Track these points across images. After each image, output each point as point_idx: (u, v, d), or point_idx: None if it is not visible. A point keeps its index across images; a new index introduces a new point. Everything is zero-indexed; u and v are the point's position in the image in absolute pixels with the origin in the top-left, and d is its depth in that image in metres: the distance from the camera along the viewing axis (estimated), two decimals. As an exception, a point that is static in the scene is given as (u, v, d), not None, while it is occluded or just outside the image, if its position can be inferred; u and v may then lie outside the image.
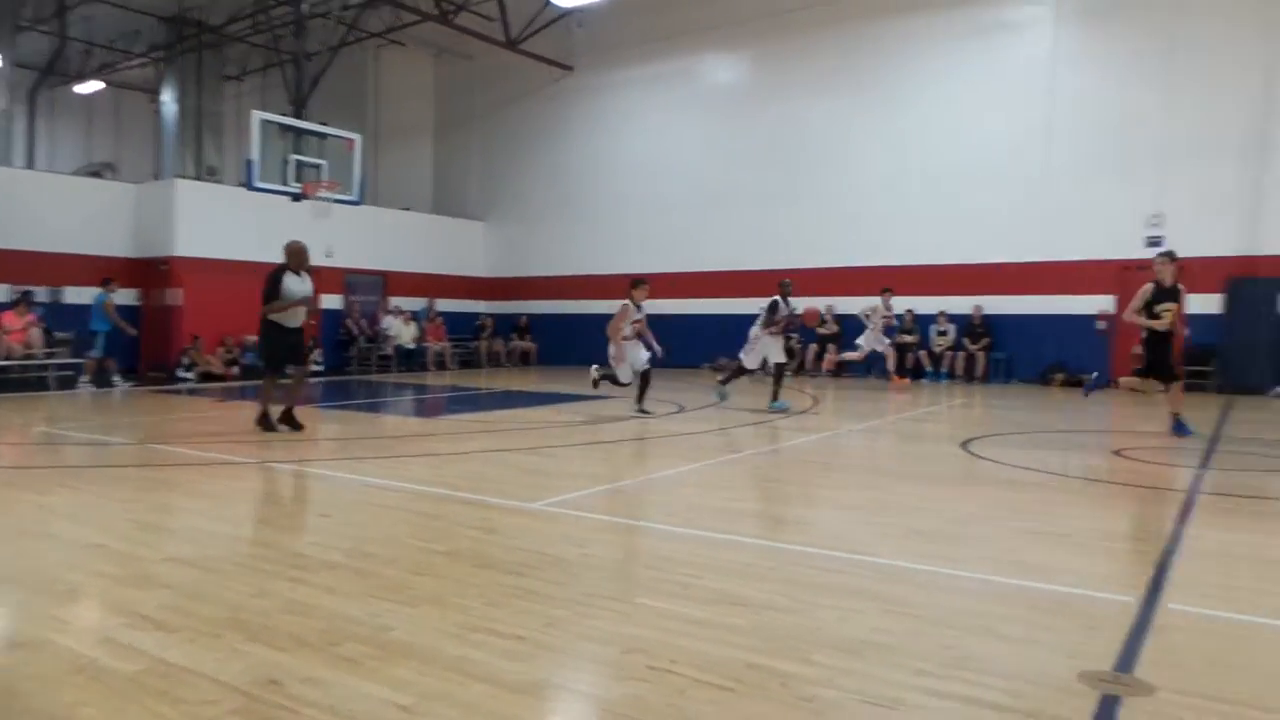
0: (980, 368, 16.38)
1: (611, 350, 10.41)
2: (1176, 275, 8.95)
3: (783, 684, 2.80)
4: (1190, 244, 14.90)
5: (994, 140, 16.50)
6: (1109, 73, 15.72)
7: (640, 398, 10.48)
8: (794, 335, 15.43)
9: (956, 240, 16.85)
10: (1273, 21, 14.33)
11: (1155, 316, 8.82)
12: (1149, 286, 8.89)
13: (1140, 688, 2.77)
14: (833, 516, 5.60)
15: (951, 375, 16.51)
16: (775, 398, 11.22)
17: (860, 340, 15.42)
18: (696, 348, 19.40)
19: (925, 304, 17.04)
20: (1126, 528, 5.32)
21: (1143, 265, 15.42)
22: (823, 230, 18.31)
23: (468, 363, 20.91)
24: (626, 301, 10.34)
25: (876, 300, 15.51)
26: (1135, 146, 15.34)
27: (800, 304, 12.01)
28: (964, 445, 8.35)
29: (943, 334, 16.92)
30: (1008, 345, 16.53)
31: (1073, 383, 15.65)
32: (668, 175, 20.40)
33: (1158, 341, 8.93)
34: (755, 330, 11.34)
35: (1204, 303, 14.93)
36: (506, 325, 22.46)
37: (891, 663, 2.98)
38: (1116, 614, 3.47)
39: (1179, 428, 9.04)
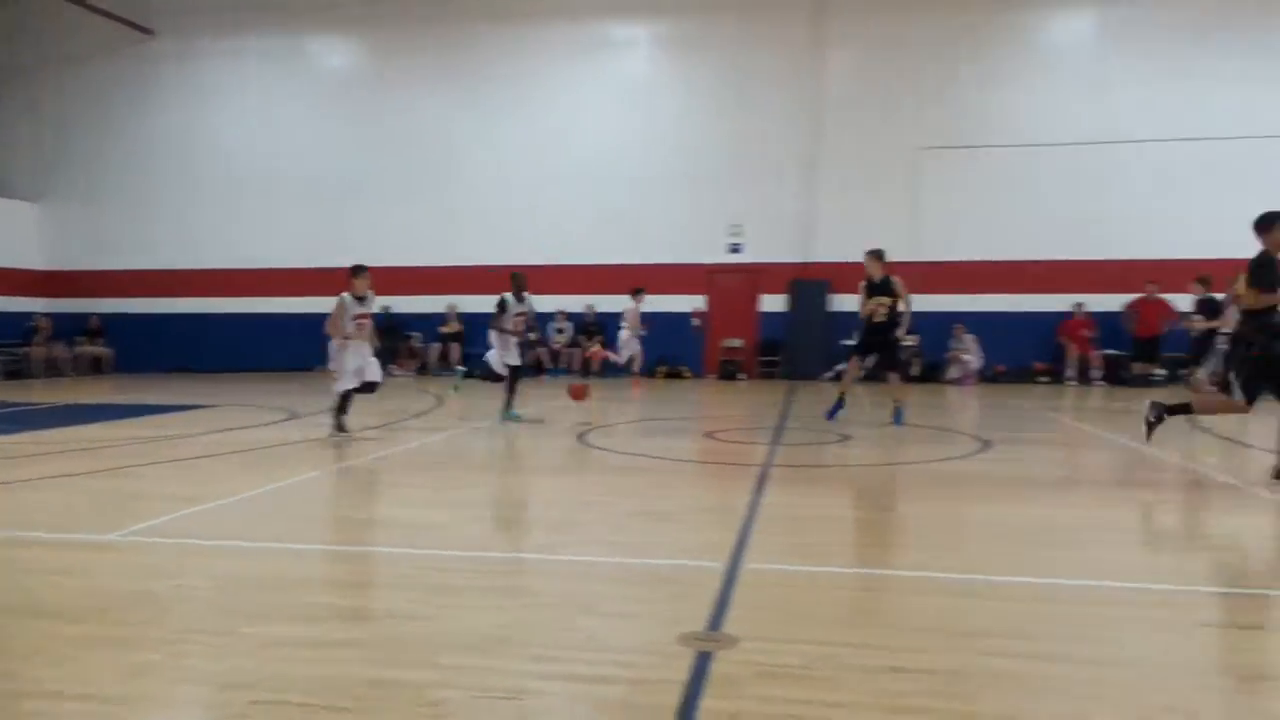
0: (596, 364, 17.46)
1: (333, 349, 8.80)
2: (886, 270, 9.61)
3: (406, 694, 2.72)
4: (762, 251, 17.41)
5: (605, 148, 17.70)
6: (696, 95, 17.70)
7: (340, 410, 8.72)
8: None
9: (572, 241, 17.80)
10: (819, 65, 17.16)
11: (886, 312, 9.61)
12: (863, 284, 9.76)
13: (727, 641, 3.15)
14: (455, 516, 5.59)
15: (570, 370, 17.40)
16: (509, 405, 10.22)
17: (620, 343, 15.77)
18: (307, 349, 18.25)
19: (545, 303, 17.72)
20: (714, 501, 6.03)
21: (726, 270, 17.70)
22: (445, 227, 18.22)
23: (16, 373, 17.45)
24: (344, 294, 8.67)
25: (629, 300, 15.81)
26: (718, 162, 17.43)
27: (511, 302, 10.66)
28: (580, 437, 8.85)
29: (560, 331, 17.77)
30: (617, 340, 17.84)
31: (674, 375, 17.37)
32: (279, 161, 18.86)
33: (876, 332, 9.72)
34: (493, 333, 10.37)
35: (771, 302, 17.49)
36: (71, 327, 19.09)
37: (515, 654, 3.05)
38: (707, 579, 3.90)
39: (898, 417, 9.75)
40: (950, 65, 16.73)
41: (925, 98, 16.74)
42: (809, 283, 17.17)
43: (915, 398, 13.77)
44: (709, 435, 9.35)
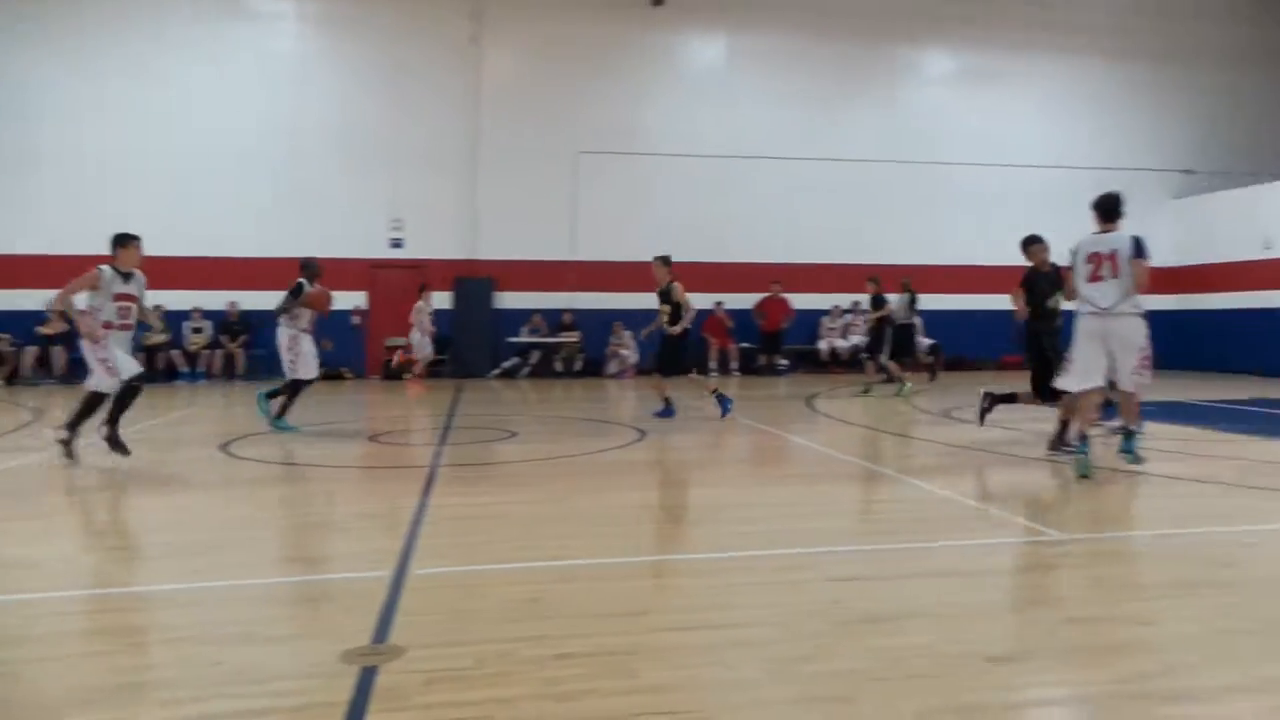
0: (240, 366, 15.97)
1: (86, 344, 6.79)
2: (670, 277, 9.97)
3: (-4, 770, 2.27)
4: (425, 248, 17.03)
5: (249, 129, 16.13)
6: (350, 78, 16.80)
7: (112, 420, 6.98)
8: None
9: (209, 231, 16.03)
10: (479, 61, 17.17)
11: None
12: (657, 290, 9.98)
13: (393, 652, 3.03)
14: (64, 549, 4.78)
15: (209, 375, 15.72)
16: (282, 412, 9.12)
17: (413, 341, 14.57)
18: None
19: (176, 299, 15.82)
20: (380, 507, 5.79)
21: (388, 265, 17.07)
22: (42, 211, 15.49)
23: None
24: (103, 267, 6.88)
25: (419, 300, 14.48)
26: (376, 152, 16.71)
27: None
28: (224, 447, 8.02)
29: (198, 331, 15.98)
30: (267, 342, 16.41)
31: (333, 376, 16.38)
32: None
33: (665, 338, 10.00)
34: (285, 330, 9.02)
35: (436, 299, 17.18)
36: None
37: (143, 702, 2.68)
38: (373, 589, 3.73)
39: (725, 406, 10.04)
40: (605, 74, 17.64)
41: (583, 103, 17.49)
42: (474, 280, 17.16)
43: (579, 393, 14.38)
44: (373, 439, 8.97)
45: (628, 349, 17.34)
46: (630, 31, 17.75)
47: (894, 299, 14.17)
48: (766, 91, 18.22)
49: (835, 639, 3.23)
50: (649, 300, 17.53)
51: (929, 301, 15.62)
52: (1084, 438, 6.34)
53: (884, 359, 13.38)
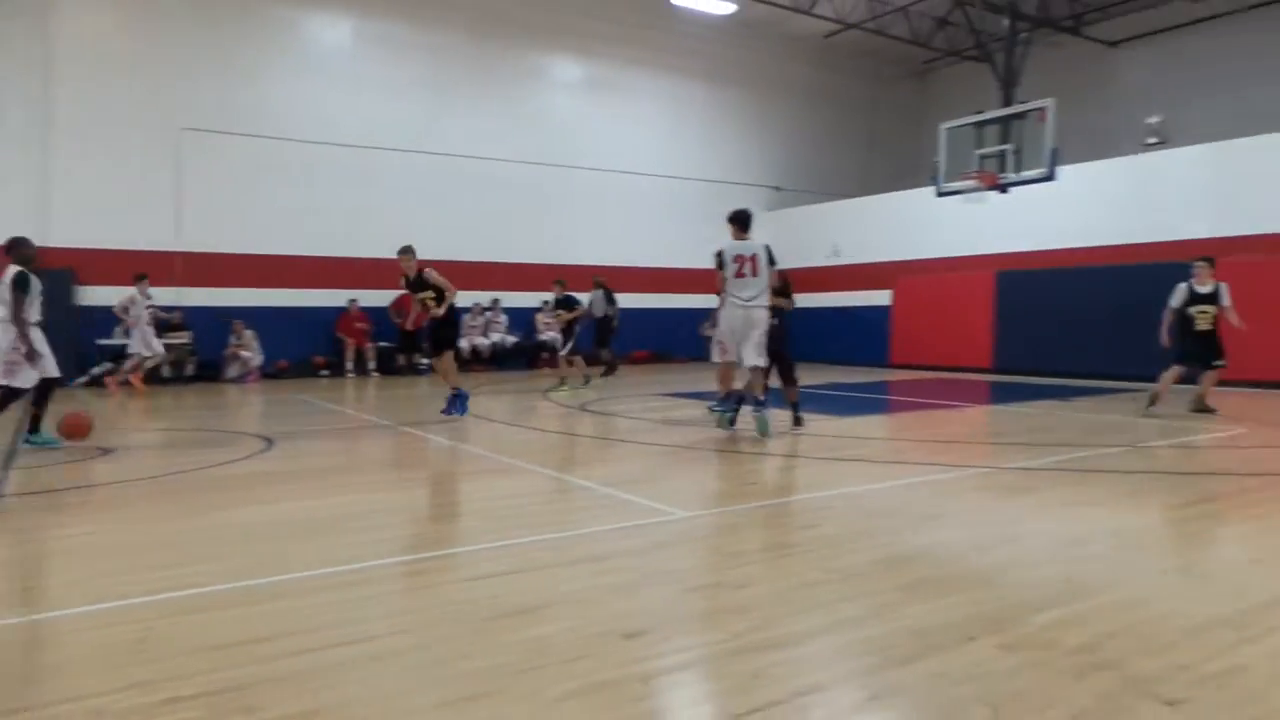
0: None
1: None
2: (419, 264, 9.55)
3: None
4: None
5: None
6: None
7: None
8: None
9: None
10: (48, 12, 14.54)
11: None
12: (402, 279, 9.73)
13: (-68, 735, 2.43)
14: None
15: None
16: (36, 428, 7.89)
17: (133, 344, 13.23)
18: None
19: None
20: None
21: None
22: None
23: None
24: None
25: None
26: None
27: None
28: None
29: None
30: None
31: None
32: None
33: (436, 326, 9.79)
34: (13, 338, 7.64)
35: None
36: None
37: None
38: (-98, 658, 2.97)
39: (458, 405, 9.78)
40: (215, 45, 15.93)
41: (188, 74, 15.63)
42: (47, 272, 14.49)
43: (192, 400, 12.84)
44: (-96, 467, 7.16)
45: (250, 350, 15.88)
46: (245, 1, 16.22)
47: (585, 297, 14.68)
48: (399, 82, 17.77)
49: (476, 637, 3.21)
50: (276, 296, 16.35)
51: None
52: (759, 402, 7.99)
53: (564, 353, 13.84)
